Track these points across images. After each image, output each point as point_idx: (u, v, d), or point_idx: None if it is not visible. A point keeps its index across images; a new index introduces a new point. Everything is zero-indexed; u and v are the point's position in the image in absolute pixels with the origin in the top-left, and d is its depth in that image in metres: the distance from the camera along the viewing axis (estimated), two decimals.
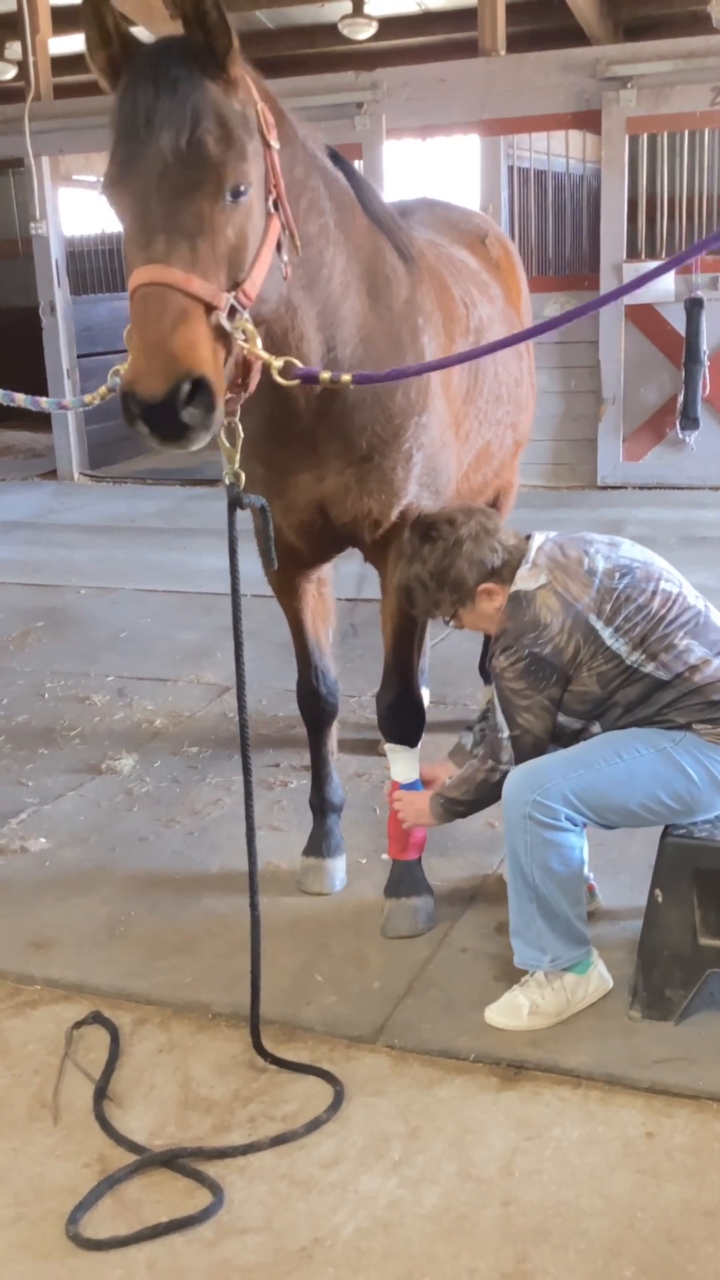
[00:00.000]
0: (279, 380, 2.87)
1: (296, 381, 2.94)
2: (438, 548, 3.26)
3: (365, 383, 3.13)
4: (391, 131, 10.23)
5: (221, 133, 2.58)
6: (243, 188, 2.63)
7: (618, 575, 3.18)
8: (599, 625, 3.12)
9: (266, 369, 2.83)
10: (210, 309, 2.57)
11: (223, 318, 2.60)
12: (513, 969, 3.31)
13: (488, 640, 5.26)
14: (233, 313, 2.63)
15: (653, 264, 9.71)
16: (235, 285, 2.65)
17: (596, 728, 3.26)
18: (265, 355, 2.77)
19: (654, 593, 3.17)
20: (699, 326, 9.58)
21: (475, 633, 5.38)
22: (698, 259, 9.66)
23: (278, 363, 2.84)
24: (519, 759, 3.23)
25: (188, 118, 2.54)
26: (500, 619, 3.24)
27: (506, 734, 3.22)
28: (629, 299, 9.73)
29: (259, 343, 2.72)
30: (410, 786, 3.71)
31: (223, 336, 2.62)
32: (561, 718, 3.24)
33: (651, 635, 3.13)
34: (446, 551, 3.24)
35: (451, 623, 3.43)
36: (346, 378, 3.00)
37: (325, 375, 2.97)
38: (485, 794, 3.32)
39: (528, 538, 3.32)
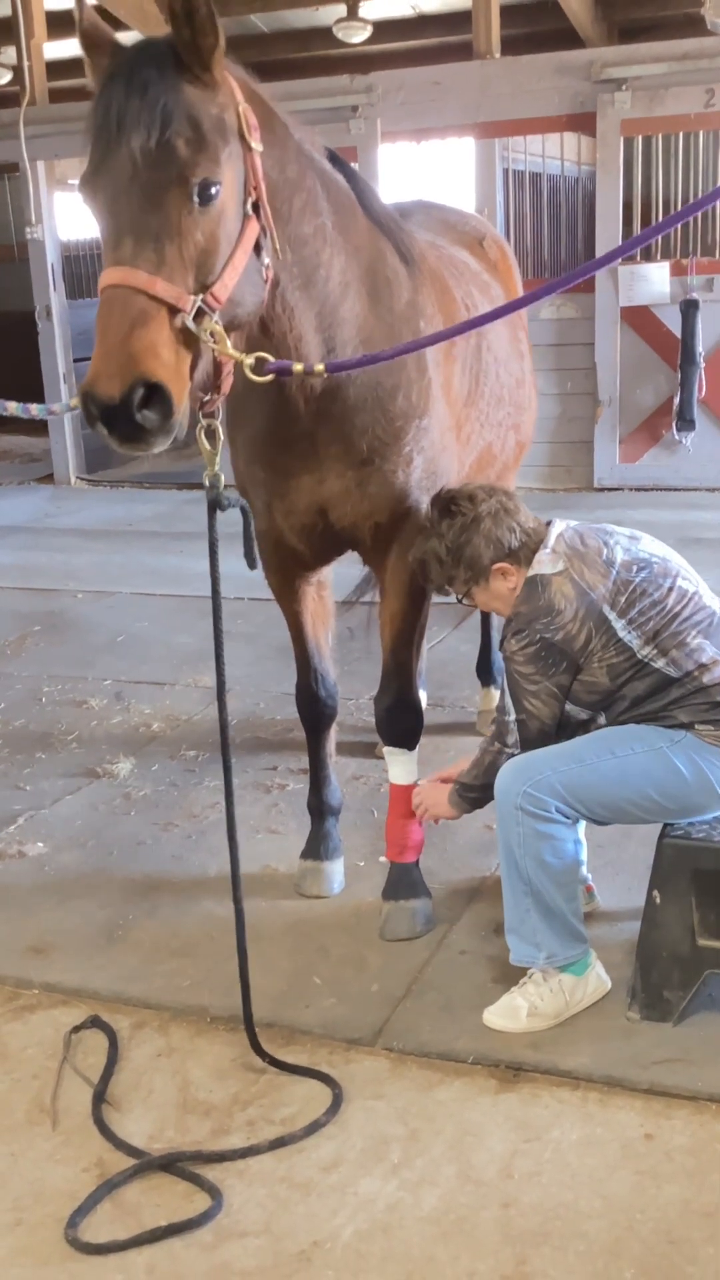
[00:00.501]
0: (251, 376, 2.86)
1: (270, 377, 2.93)
2: (456, 523, 3.25)
3: (339, 370, 3.12)
4: (386, 134, 10.25)
5: (192, 134, 2.58)
6: (213, 190, 2.62)
7: (635, 568, 3.18)
8: (612, 616, 3.12)
9: (239, 369, 2.83)
10: (175, 311, 2.57)
11: (188, 320, 2.59)
12: (511, 970, 3.31)
13: (484, 642, 5.29)
14: (200, 315, 2.62)
15: (649, 266, 9.74)
16: (204, 287, 2.65)
17: (602, 719, 3.26)
18: (235, 354, 2.76)
19: (670, 589, 3.17)
20: (694, 328, 9.60)
21: (472, 636, 5.41)
22: (693, 259, 9.69)
23: (249, 360, 2.84)
24: (524, 744, 3.23)
25: (157, 120, 2.55)
26: (514, 601, 3.24)
27: (513, 717, 3.22)
28: (624, 300, 9.76)
29: (229, 344, 2.71)
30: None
31: (189, 339, 2.62)
32: (569, 707, 3.24)
33: (664, 631, 3.13)
34: (465, 528, 3.23)
35: (464, 600, 3.42)
36: (319, 367, 3.00)
37: (298, 367, 2.96)
38: (494, 777, 3.29)
39: (548, 524, 3.31)
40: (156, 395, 2.52)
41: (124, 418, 2.50)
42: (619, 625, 3.12)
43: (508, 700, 3.24)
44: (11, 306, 14.19)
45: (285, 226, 2.95)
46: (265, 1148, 2.83)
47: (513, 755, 3.24)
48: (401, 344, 3.26)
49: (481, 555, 3.23)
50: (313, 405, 3.25)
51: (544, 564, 3.19)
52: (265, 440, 3.38)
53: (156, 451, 2.64)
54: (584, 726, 3.28)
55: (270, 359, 2.90)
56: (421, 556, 3.35)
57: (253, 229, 2.78)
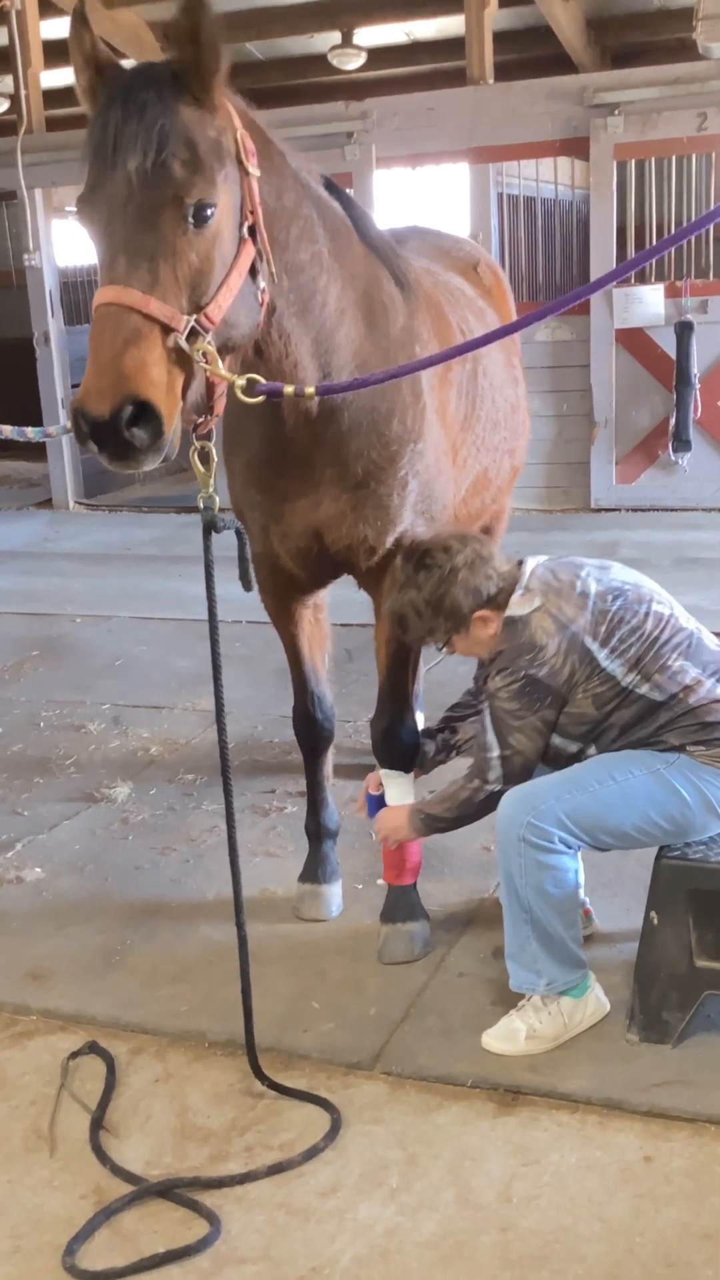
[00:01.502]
0: (241, 398, 2.88)
1: (261, 398, 2.94)
2: (433, 575, 3.25)
3: (329, 394, 3.14)
4: (381, 160, 10.31)
5: (189, 157, 2.60)
6: (208, 212, 2.64)
7: (610, 597, 3.19)
8: (594, 647, 3.13)
9: (231, 390, 2.84)
10: (168, 331, 2.58)
11: (181, 340, 2.61)
12: (510, 993, 3.30)
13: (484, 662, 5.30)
14: (194, 335, 2.64)
15: (643, 288, 9.80)
16: (198, 308, 2.66)
17: (593, 750, 3.26)
18: (227, 375, 2.77)
19: (646, 614, 3.19)
20: (689, 350, 9.65)
21: (470, 657, 5.41)
22: (687, 281, 9.74)
23: (240, 381, 2.85)
24: (507, 780, 3.23)
25: (154, 141, 2.57)
26: (495, 643, 3.25)
27: (496, 753, 3.22)
28: (619, 322, 9.80)
29: (221, 365, 2.73)
30: (377, 801, 3.70)
31: (182, 359, 2.63)
32: (558, 740, 3.25)
33: (646, 656, 3.14)
34: (442, 580, 3.23)
35: (444, 649, 3.43)
36: (310, 390, 3.01)
37: (289, 389, 2.98)
38: (469, 812, 3.32)
39: (520, 563, 3.33)
40: (146, 414, 2.52)
41: (113, 435, 2.51)
42: (601, 655, 3.13)
43: (489, 737, 3.24)
44: (10, 333, 14.25)
45: (282, 253, 2.97)
46: (263, 1173, 2.82)
47: (494, 791, 3.24)
48: (393, 367, 3.27)
49: (461, 605, 3.23)
50: (308, 429, 3.27)
51: (520, 604, 3.20)
52: (261, 464, 3.39)
53: (147, 469, 2.65)
54: (574, 759, 3.28)
55: (261, 380, 2.92)
56: (399, 610, 3.34)
57: (248, 252, 2.81)
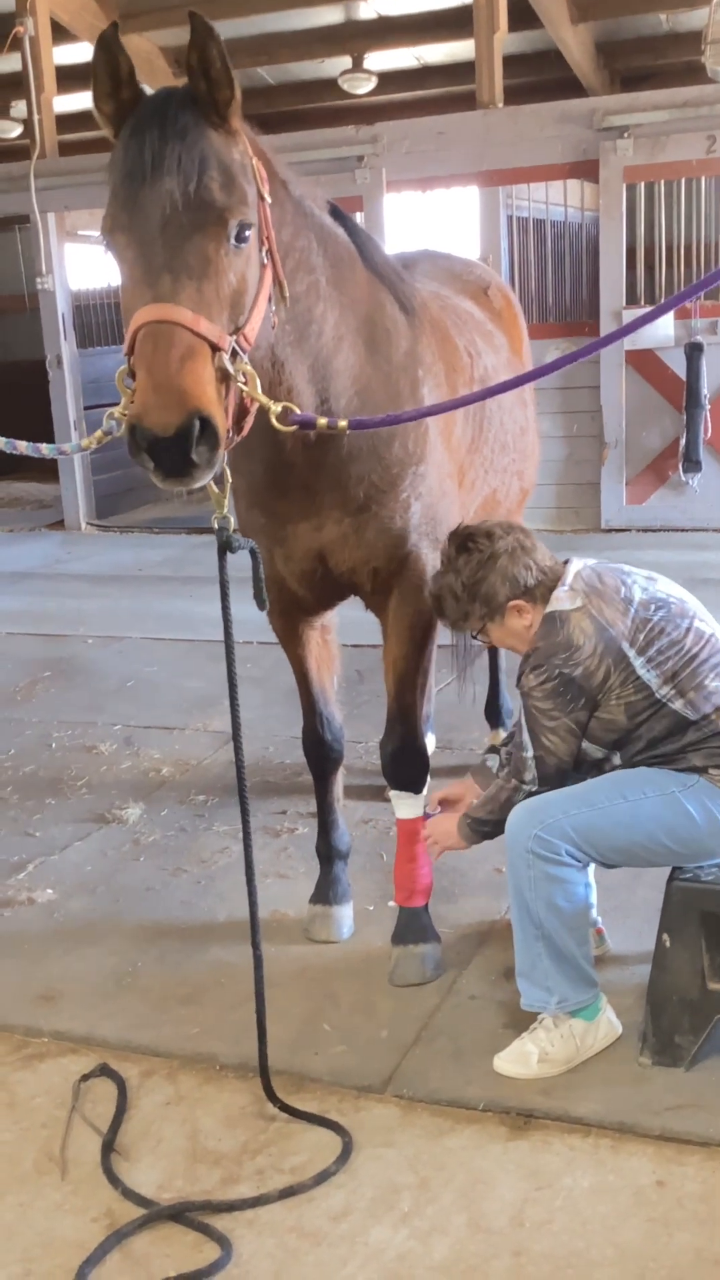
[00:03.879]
0: (277, 426, 2.90)
1: (294, 427, 2.96)
2: (473, 559, 3.25)
3: (361, 428, 3.16)
4: (392, 184, 10.37)
5: (225, 179, 2.64)
6: (247, 233, 2.69)
7: (653, 607, 3.19)
8: (631, 653, 3.12)
9: (261, 413, 2.86)
10: (215, 350, 2.60)
11: (226, 359, 2.64)
12: (522, 1016, 3.29)
13: (493, 684, 5.30)
14: (234, 355, 2.67)
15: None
16: (236, 329, 2.69)
17: (617, 759, 3.26)
18: (264, 399, 2.80)
19: (688, 629, 3.18)
20: (699, 370, 9.66)
21: (481, 678, 5.42)
22: (696, 303, 9.76)
23: (276, 407, 2.87)
24: (541, 780, 3.21)
25: (196, 162, 2.60)
26: (531, 638, 3.24)
27: (531, 754, 3.21)
28: (629, 344, 9.82)
29: (258, 386, 2.76)
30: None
31: (225, 378, 2.65)
32: (585, 745, 3.23)
33: (683, 671, 3.13)
34: (481, 564, 3.24)
35: (478, 637, 3.43)
36: (343, 423, 3.03)
37: (322, 421, 3.00)
38: (510, 813, 3.29)
39: (566, 562, 3.32)
40: (208, 430, 2.53)
41: (176, 451, 2.50)
42: (638, 663, 3.12)
43: (525, 736, 3.23)
44: (23, 356, 14.34)
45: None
46: (275, 1197, 2.81)
47: (530, 791, 3.23)
48: (427, 405, 3.28)
49: (497, 592, 3.24)
50: (307, 454, 3.28)
51: (562, 601, 3.19)
52: (263, 487, 3.41)
53: (198, 486, 2.65)
54: (599, 766, 3.27)
55: (295, 410, 2.94)
56: (437, 592, 3.35)
57: (268, 276, 2.85)
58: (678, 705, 3.12)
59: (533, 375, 3.32)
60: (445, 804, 3.69)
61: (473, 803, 3.47)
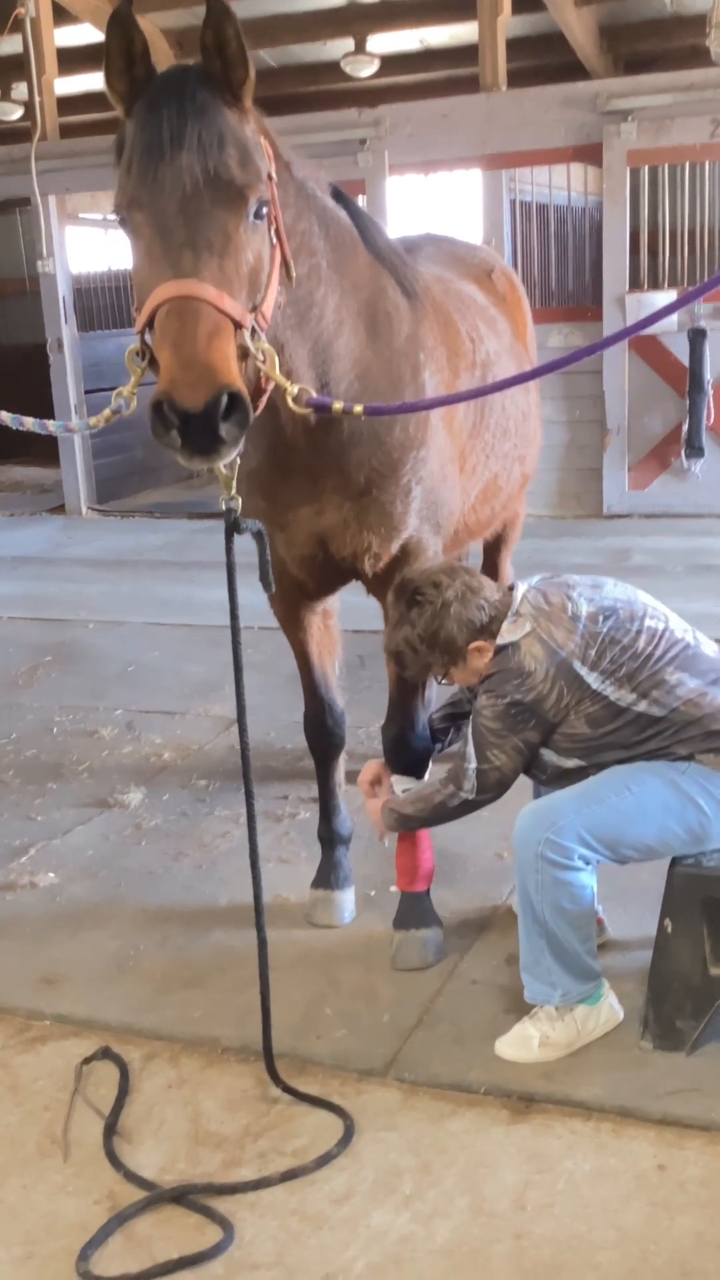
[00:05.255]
0: (292, 407, 2.89)
1: (309, 410, 2.95)
2: (425, 611, 3.25)
3: (377, 414, 3.14)
4: (394, 167, 10.33)
5: (243, 156, 2.63)
6: (264, 210, 2.68)
7: (601, 618, 3.18)
8: (584, 671, 3.13)
9: (276, 394, 2.85)
10: (238, 327, 2.59)
11: (247, 337, 2.63)
12: (522, 1001, 3.30)
13: None
14: (253, 333, 2.66)
15: (656, 295, 9.79)
16: (254, 307, 2.68)
17: (594, 767, 3.26)
18: (281, 379, 2.80)
19: (639, 631, 3.18)
20: (702, 356, 9.64)
21: None
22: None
23: (293, 389, 2.86)
24: (481, 790, 3.25)
25: (215, 139, 2.59)
26: (487, 669, 3.26)
27: (474, 766, 3.23)
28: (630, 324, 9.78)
29: (276, 365, 2.75)
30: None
31: (245, 356, 2.64)
32: (553, 757, 3.26)
33: (640, 674, 3.14)
34: (435, 615, 3.23)
35: (444, 680, 3.43)
36: (358, 409, 3.01)
37: (338, 405, 2.98)
38: (440, 816, 3.35)
39: (510, 589, 3.33)
40: (237, 405, 2.50)
41: (205, 427, 2.47)
42: (591, 678, 3.13)
43: (470, 749, 3.25)
44: (24, 339, 14.31)
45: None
46: (277, 1180, 2.82)
47: (466, 800, 3.26)
48: (442, 395, 3.25)
49: (455, 638, 3.24)
50: (308, 437, 3.27)
51: (511, 631, 3.21)
52: (264, 471, 3.39)
53: (225, 462, 2.62)
54: (578, 774, 3.27)
55: (312, 392, 2.93)
56: (395, 648, 3.35)
57: (277, 255, 2.84)
58: (642, 707, 3.13)
59: (550, 368, 3.29)
60: (371, 785, 3.68)
61: (399, 793, 3.49)
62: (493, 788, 3.25)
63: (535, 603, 3.23)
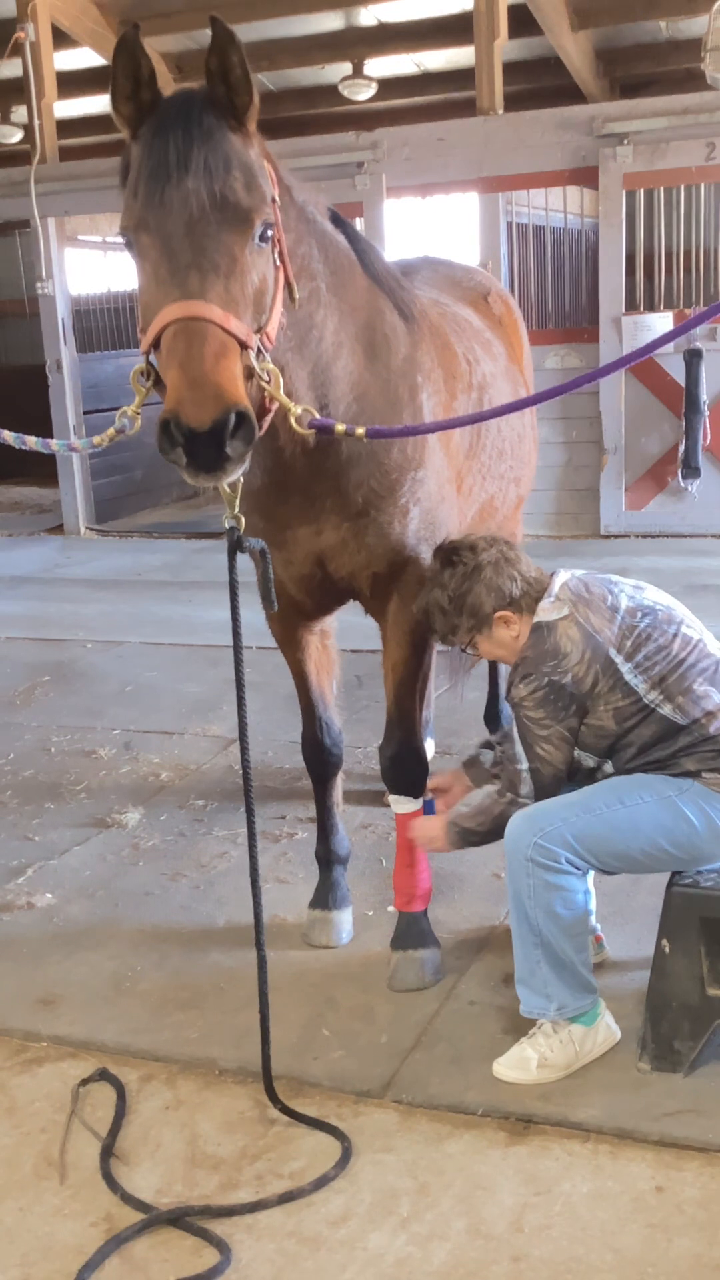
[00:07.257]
0: (296, 428, 2.91)
1: (312, 431, 2.98)
2: (458, 572, 3.29)
3: (378, 436, 3.17)
4: (391, 190, 10.38)
5: (249, 179, 2.66)
6: (269, 233, 2.72)
7: (640, 614, 3.21)
8: (619, 659, 3.15)
9: (279, 414, 2.87)
10: (243, 348, 2.62)
11: (253, 358, 2.66)
12: (521, 1021, 3.29)
13: (492, 690, 5.30)
14: (258, 354, 2.69)
15: (652, 316, 9.84)
16: (259, 328, 2.71)
17: (609, 767, 3.27)
18: (286, 400, 2.83)
19: (675, 635, 3.20)
20: (698, 377, 9.67)
21: (480, 684, 5.42)
22: (695, 308, 9.79)
23: (296, 409, 2.89)
24: (538, 791, 3.23)
25: (221, 162, 2.62)
26: (520, 648, 3.27)
27: (525, 766, 3.23)
28: (628, 350, 9.84)
29: (280, 386, 2.77)
30: (425, 809, 3.70)
31: (250, 377, 2.68)
32: (577, 753, 3.25)
33: (670, 676, 3.15)
34: (466, 576, 3.28)
35: (470, 650, 3.45)
36: (360, 431, 3.04)
37: (340, 427, 3.01)
38: (501, 826, 3.29)
39: (553, 574, 3.35)
40: (244, 424, 2.53)
41: (212, 445, 2.51)
42: (625, 668, 3.14)
43: (518, 749, 3.25)
44: (23, 360, 14.36)
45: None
46: (274, 1202, 2.81)
47: (525, 805, 3.25)
48: (446, 419, 3.27)
49: (483, 603, 3.27)
50: (306, 458, 3.29)
51: (548, 610, 3.22)
52: (262, 491, 3.41)
53: (229, 480, 2.66)
54: (591, 775, 3.29)
55: (315, 414, 2.95)
56: (425, 606, 3.39)
57: (281, 277, 2.87)
58: (666, 710, 3.14)
59: (555, 392, 3.32)
60: (436, 792, 3.71)
61: (462, 808, 3.48)
62: (548, 786, 3.23)
63: (575, 589, 3.26)
